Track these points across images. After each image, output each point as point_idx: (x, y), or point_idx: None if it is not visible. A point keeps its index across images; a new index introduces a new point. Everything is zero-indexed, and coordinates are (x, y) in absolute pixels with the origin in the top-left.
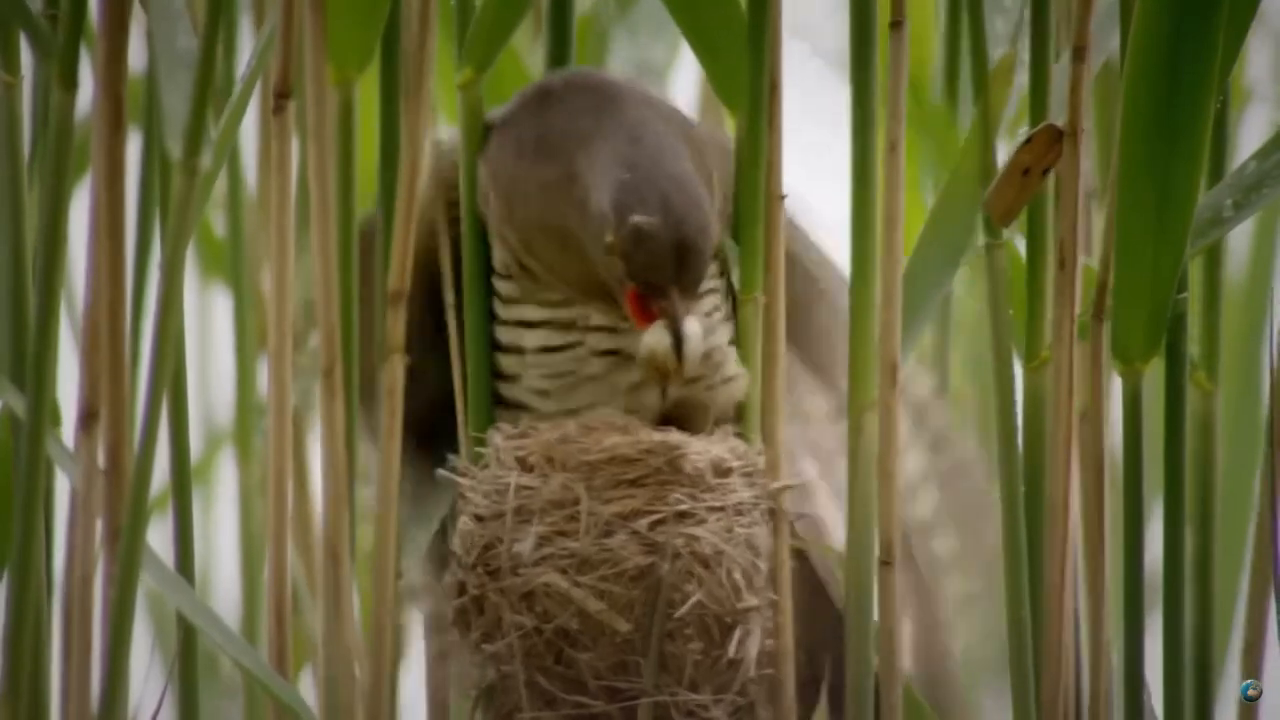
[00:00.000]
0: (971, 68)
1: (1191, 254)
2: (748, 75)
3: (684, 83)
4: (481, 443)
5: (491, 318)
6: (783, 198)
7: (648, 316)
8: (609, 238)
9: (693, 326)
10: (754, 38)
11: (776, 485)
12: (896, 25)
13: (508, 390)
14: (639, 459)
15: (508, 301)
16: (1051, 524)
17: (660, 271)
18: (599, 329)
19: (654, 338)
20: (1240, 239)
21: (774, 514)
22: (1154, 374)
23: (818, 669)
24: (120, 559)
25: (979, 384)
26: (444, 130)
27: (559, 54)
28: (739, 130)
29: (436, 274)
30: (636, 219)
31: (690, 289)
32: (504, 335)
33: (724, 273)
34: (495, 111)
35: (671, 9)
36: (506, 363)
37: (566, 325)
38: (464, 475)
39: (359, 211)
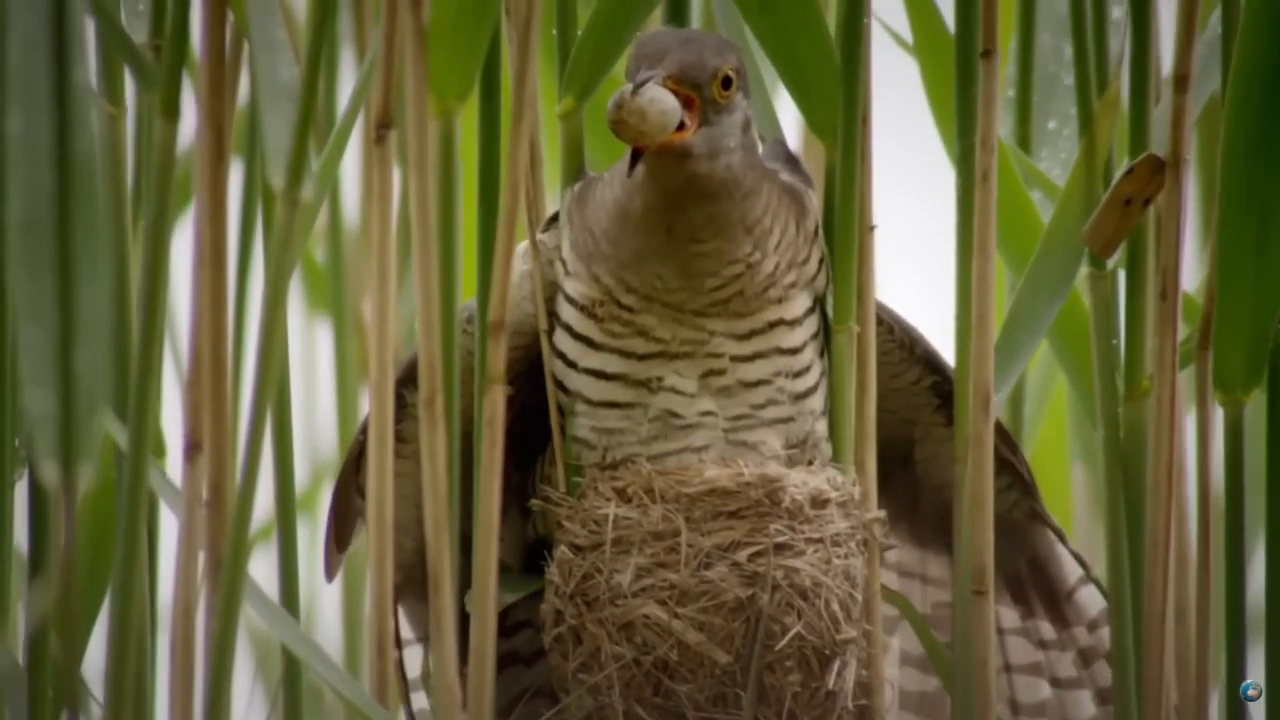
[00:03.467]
0: (1077, 101)
1: None
2: (840, 108)
3: (781, 115)
4: (578, 472)
5: (562, 361)
6: (873, 228)
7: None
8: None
9: (654, 89)
10: (846, 71)
11: (871, 516)
12: (988, 54)
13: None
14: (738, 491)
15: (588, 344)
16: (1152, 554)
17: (646, 59)
18: (671, 390)
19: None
20: None
21: (868, 545)
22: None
23: None
24: (222, 590)
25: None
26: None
27: None
28: (831, 162)
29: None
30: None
31: (674, 75)
32: (570, 381)
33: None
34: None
35: (763, 42)
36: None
37: (640, 383)
38: (559, 505)
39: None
